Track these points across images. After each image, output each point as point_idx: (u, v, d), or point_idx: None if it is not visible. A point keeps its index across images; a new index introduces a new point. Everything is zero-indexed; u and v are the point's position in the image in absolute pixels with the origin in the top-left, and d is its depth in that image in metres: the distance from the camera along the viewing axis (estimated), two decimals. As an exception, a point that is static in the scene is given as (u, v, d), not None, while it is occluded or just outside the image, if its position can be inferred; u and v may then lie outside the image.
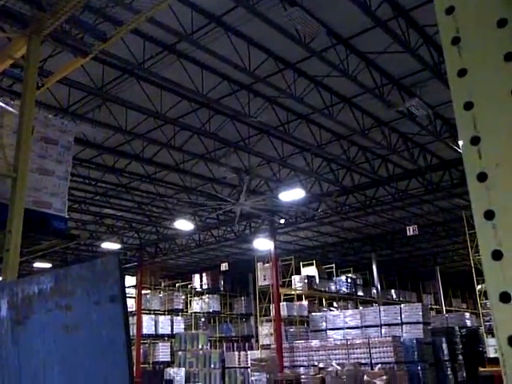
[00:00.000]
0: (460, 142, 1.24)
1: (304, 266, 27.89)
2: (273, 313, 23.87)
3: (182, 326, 31.59)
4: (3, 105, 6.54)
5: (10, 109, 6.64)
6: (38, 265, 26.24)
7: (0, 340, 2.08)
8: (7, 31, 7.75)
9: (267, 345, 25.19)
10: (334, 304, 30.47)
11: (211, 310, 33.22)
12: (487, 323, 19.86)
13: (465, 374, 24.25)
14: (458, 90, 1.24)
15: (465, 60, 1.24)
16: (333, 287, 28.79)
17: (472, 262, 20.21)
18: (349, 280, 29.69)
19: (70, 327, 1.86)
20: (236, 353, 28.01)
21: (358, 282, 31.34)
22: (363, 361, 20.71)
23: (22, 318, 2.03)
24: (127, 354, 1.72)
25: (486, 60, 1.22)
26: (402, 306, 23.78)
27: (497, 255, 1.15)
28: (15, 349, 2.05)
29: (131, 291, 29.98)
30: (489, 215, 1.16)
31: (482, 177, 1.17)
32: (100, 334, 1.77)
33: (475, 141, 1.20)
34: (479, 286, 20.32)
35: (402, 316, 22.75)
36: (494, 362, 17.82)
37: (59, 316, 1.89)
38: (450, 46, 1.27)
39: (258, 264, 25.95)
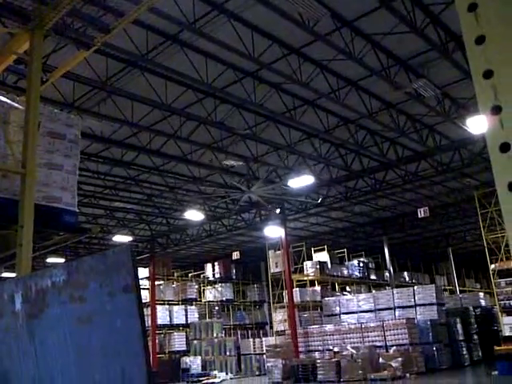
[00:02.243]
0: (480, 113, 1.20)
1: (315, 251, 27.89)
2: (286, 299, 23.95)
3: (196, 315, 31.80)
4: (9, 101, 6.54)
5: (16, 105, 6.64)
6: (50, 260, 26.44)
7: (16, 333, 2.08)
8: (9, 26, 7.74)
9: (282, 331, 25.32)
10: (347, 288, 30.51)
11: (224, 299, 33.39)
12: (501, 302, 19.77)
13: (480, 354, 24.24)
14: (476, 58, 1.20)
15: (483, 26, 1.20)
16: (345, 272, 28.80)
17: (485, 241, 20.08)
18: (361, 264, 29.66)
19: (85, 319, 1.86)
20: (251, 340, 28.24)
21: (370, 266, 31.31)
22: (378, 343, 20.77)
23: (36, 312, 2.02)
24: (143, 343, 1.71)
25: (506, 25, 1.17)
26: (415, 288, 23.76)
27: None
28: (31, 342, 2.05)
29: (144, 282, 30.20)
30: (513, 187, 1.09)
31: (505, 147, 1.14)
32: (115, 325, 1.76)
33: (496, 111, 1.16)
34: (492, 266, 20.20)
35: (416, 298, 22.74)
36: (510, 340, 17.75)
37: (73, 308, 1.89)
38: (467, 13, 1.23)
39: (270, 251, 26.01)
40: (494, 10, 1.19)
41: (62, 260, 27.81)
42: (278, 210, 23.83)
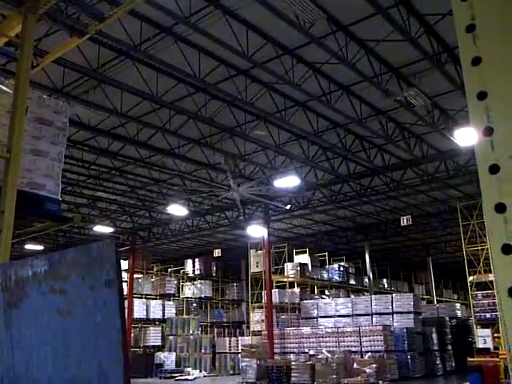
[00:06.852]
0: (472, 133, 1.20)
1: (297, 253, 27.98)
2: (264, 299, 23.97)
3: (174, 310, 31.68)
4: (-3, 84, 6.42)
5: (5, 88, 6.52)
6: (29, 247, 26.13)
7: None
8: (1, 8, 7.60)
9: (258, 331, 25.34)
10: (326, 292, 30.64)
11: (203, 296, 33.32)
12: (477, 314, 20.01)
13: (453, 364, 24.54)
14: (472, 78, 1.21)
15: (480, 48, 1.21)
16: (325, 275, 28.93)
17: (464, 253, 20.31)
18: (341, 268, 29.83)
19: (65, 311, 1.82)
20: (227, 338, 28.21)
21: (351, 271, 31.50)
22: (353, 349, 20.89)
23: (15, 301, 1.98)
24: (122, 339, 1.68)
25: (503, 48, 1.18)
26: (394, 295, 23.96)
27: (508, 249, 1.13)
28: (8, 332, 2.00)
29: (123, 275, 29.99)
30: (500, 208, 1.13)
31: (495, 169, 1.14)
32: (95, 319, 1.73)
33: (488, 132, 1.16)
34: (471, 278, 20.44)
35: (393, 305, 22.92)
36: (483, 352, 17.99)
37: (53, 300, 1.85)
38: (465, 34, 1.23)
39: (251, 251, 26.00)
40: (492, 33, 1.20)
41: (40, 247, 27.51)
42: (261, 210, 23.90)
